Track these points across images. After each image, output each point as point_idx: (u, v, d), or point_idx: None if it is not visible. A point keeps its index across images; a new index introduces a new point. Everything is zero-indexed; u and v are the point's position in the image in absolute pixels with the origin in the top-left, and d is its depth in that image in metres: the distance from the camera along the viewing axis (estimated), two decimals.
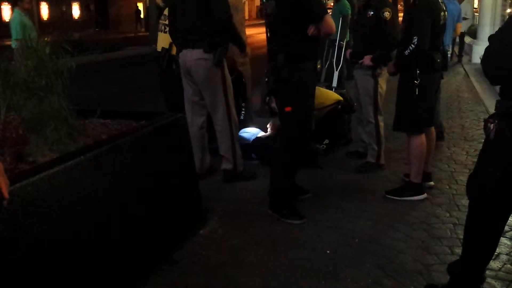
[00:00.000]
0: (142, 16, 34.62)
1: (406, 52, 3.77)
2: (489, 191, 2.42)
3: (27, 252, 2.04)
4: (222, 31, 4.07)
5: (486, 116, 7.11)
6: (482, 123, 6.99)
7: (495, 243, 2.54)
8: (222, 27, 4.05)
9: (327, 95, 5.38)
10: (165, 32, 4.90)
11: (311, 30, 3.45)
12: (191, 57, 4.14)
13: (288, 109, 3.63)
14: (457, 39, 13.51)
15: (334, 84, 7.57)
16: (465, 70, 11.86)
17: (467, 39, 14.52)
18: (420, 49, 3.71)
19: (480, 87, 9.37)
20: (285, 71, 3.55)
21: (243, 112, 5.69)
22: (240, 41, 4.36)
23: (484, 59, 2.37)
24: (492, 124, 2.36)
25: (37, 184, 2.08)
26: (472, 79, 10.45)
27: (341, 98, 5.39)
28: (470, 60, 13.49)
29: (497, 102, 2.39)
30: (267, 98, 5.00)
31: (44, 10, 29.88)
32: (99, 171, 2.51)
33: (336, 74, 7.76)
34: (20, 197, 1.99)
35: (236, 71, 5.39)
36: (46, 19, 29.33)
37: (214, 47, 4.06)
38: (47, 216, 2.13)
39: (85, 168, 2.40)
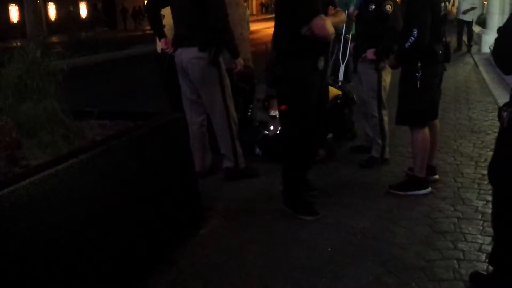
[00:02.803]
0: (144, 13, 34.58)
1: (406, 45, 3.71)
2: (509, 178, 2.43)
3: (18, 257, 2.03)
4: (215, 31, 4.00)
5: (495, 107, 7.04)
6: (490, 114, 6.90)
7: None
8: (216, 27, 3.99)
9: None
10: None
11: (304, 30, 3.37)
12: (187, 56, 4.11)
13: (283, 107, 3.60)
14: (465, 29, 13.37)
15: (341, 78, 7.50)
16: (474, 60, 11.71)
17: (476, 29, 14.34)
18: (420, 42, 3.65)
19: (489, 77, 9.24)
20: (278, 68, 3.53)
21: (249, 113, 5.60)
22: (232, 46, 4.19)
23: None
24: (506, 113, 2.34)
25: (27, 188, 2.06)
26: (481, 69, 10.32)
27: (339, 92, 5.33)
28: (479, 50, 13.32)
29: (511, 90, 2.36)
30: (266, 103, 4.97)
31: (52, 10, 30.03)
32: (94, 173, 2.49)
33: (342, 68, 7.69)
34: (9, 202, 1.98)
35: (253, 79, 5.31)
36: (53, 19, 29.51)
37: (209, 46, 4.02)
38: (38, 220, 2.12)
39: (78, 170, 2.38)
